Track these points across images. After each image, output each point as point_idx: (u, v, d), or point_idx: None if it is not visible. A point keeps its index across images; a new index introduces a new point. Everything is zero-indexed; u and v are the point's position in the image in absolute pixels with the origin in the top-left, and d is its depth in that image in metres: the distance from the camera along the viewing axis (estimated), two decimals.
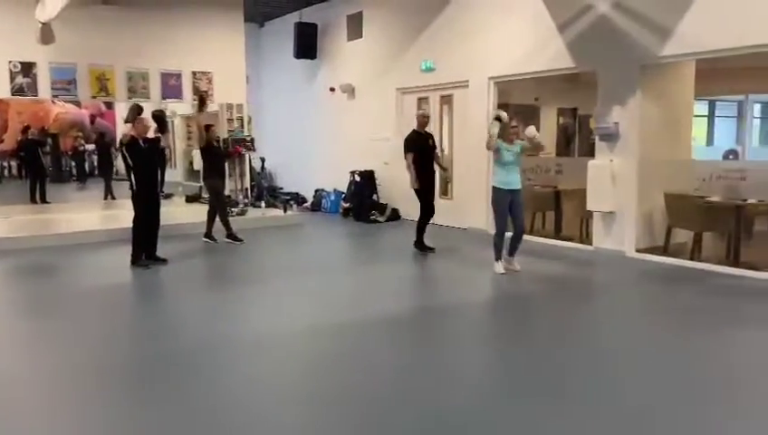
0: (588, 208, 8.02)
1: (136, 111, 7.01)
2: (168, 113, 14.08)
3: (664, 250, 7.56)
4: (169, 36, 10.81)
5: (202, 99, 9.06)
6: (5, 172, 21.31)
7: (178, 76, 11.04)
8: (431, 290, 6.48)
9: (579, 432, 3.20)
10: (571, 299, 5.98)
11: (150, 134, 7.28)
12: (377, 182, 11.41)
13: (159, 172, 14.03)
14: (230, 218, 9.02)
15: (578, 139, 13.04)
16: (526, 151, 6.78)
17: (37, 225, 10.06)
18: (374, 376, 4.00)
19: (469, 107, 9.71)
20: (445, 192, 10.55)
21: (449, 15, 9.86)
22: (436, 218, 10.47)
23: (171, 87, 11.04)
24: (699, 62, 7.78)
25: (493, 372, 4.13)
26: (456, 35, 9.73)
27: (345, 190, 11.82)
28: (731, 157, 11.89)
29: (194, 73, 11.18)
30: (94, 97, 10.72)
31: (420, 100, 10.80)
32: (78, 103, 19.04)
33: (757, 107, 16.15)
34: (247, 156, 11.70)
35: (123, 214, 8.35)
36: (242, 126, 11.64)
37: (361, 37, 11.81)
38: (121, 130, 13.94)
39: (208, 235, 8.77)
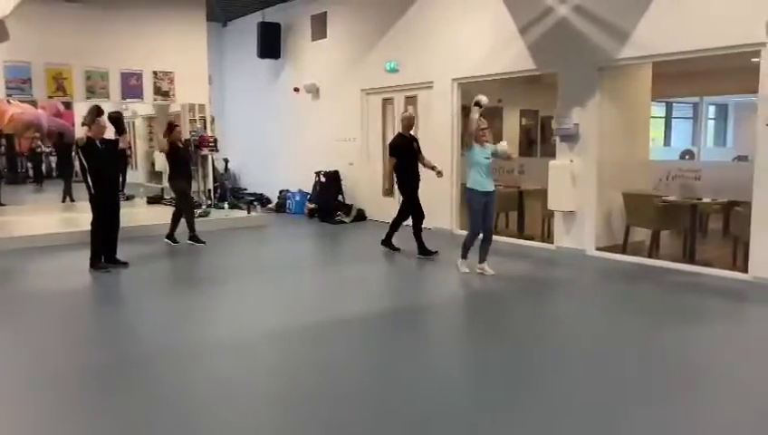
0: (549, 208, 8.16)
1: (95, 113, 6.85)
2: (128, 114, 13.88)
3: (623, 248, 7.74)
4: (130, 35, 10.62)
5: (171, 125, 8.96)
6: None
7: (139, 76, 10.85)
8: (398, 290, 6.50)
9: (543, 429, 3.25)
10: (534, 298, 6.08)
11: (111, 136, 7.15)
12: (342, 183, 11.41)
13: (120, 174, 13.91)
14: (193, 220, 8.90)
15: (540, 140, 13.27)
16: (497, 157, 6.79)
17: None
18: (341, 377, 3.99)
19: (433, 108, 9.78)
20: None
21: (413, 16, 9.91)
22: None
23: (132, 87, 10.84)
24: (656, 64, 7.99)
25: (460, 372, 4.16)
26: (420, 36, 9.79)
27: (310, 191, 11.78)
28: (687, 157, 12.22)
29: (155, 73, 11.00)
30: (51, 97, 10.46)
31: (385, 101, 10.84)
32: (34, 103, 18.53)
33: (712, 109, 16.64)
34: (210, 157, 11.56)
35: (82, 217, 8.16)
36: (204, 126, 11.48)
37: (326, 37, 11.78)
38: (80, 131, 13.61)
39: (170, 236, 8.64)
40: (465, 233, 8.85)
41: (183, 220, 8.69)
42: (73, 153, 13.20)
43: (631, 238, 7.82)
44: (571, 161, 7.85)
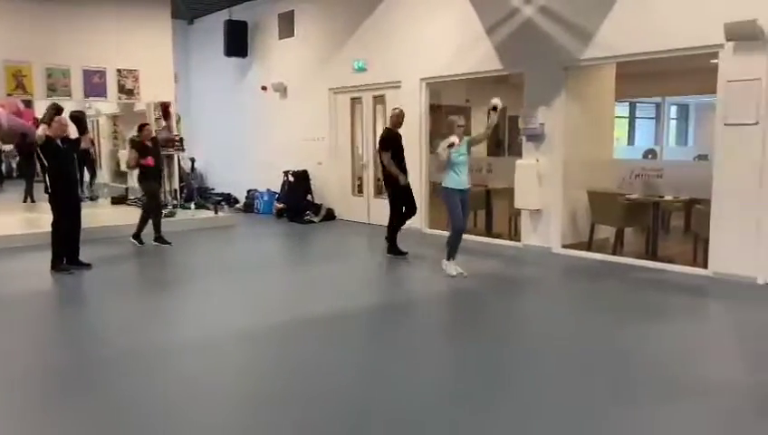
0: (516, 206, 8.25)
1: (53, 111, 6.69)
2: (92, 112, 13.62)
3: (588, 246, 7.86)
4: (93, 32, 10.43)
5: (141, 125, 8.87)
6: None
7: (102, 73, 10.65)
8: (367, 290, 6.49)
9: (515, 426, 3.28)
10: (503, 295, 6.13)
11: (74, 135, 7.00)
12: (311, 182, 11.36)
13: (88, 174, 13.65)
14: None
15: (507, 139, 13.40)
16: (477, 141, 6.84)
17: None
18: (310, 377, 3.97)
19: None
20: (380, 191, 10.60)
21: (380, 15, 9.92)
22: (373, 218, 10.59)
23: (95, 85, 10.64)
24: (619, 65, 8.13)
25: (428, 371, 4.17)
26: (388, 36, 9.80)
27: (279, 191, 11.70)
28: (650, 156, 12.48)
29: (119, 71, 10.81)
30: (10, 95, 10.19)
31: (353, 100, 10.83)
32: None
33: (674, 109, 17.03)
34: (176, 156, 11.39)
35: (44, 217, 7.96)
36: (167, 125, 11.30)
37: (293, 36, 11.72)
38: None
39: (137, 236, 8.50)
40: (435, 232, 8.92)
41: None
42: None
43: (596, 236, 7.95)
44: (537, 160, 7.95)
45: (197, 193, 12.29)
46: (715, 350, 4.53)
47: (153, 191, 8.57)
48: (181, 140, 11.30)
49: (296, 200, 11.16)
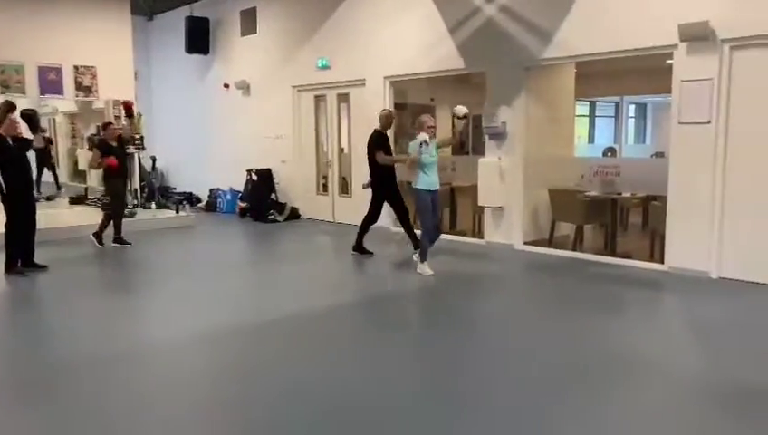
0: (479, 204, 8.33)
1: (6, 109, 6.49)
2: (48, 110, 13.25)
3: (549, 242, 8.00)
4: (48, 27, 10.14)
5: (105, 123, 8.68)
6: None
7: (58, 70, 10.37)
8: (332, 289, 6.47)
9: (465, 422, 3.32)
10: (465, 292, 6.18)
11: (26, 134, 6.81)
12: (275, 181, 11.27)
13: (52, 174, 13.27)
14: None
15: (471, 138, 13.51)
16: (442, 147, 6.86)
17: None
18: (271, 378, 3.95)
19: (366, 106, 9.78)
20: (344, 190, 10.60)
21: (344, 13, 9.89)
22: (338, 216, 10.57)
23: (51, 82, 10.35)
24: (579, 64, 8.28)
25: (390, 368, 4.19)
26: (351, 33, 9.78)
27: (242, 189, 11.58)
28: (609, 154, 12.72)
29: (76, 68, 10.54)
30: None
31: (317, 98, 10.78)
32: None
33: (632, 108, 17.40)
34: (136, 155, 11.18)
35: None
36: (130, 123, 11.07)
37: (256, 33, 11.60)
38: None
39: (98, 235, 8.34)
40: (400, 230, 8.93)
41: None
42: None
43: (557, 233, 8.09)
44: (500, 159, 8.04)
45: (158, 192, 12.08)
46: (666, 341, 4.65)
47: (117, 191, 8.40)
48: (141, 138, 11.08)
49: (260, 199, 11.06)
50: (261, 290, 6.42)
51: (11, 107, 6.55)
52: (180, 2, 12.69)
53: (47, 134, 12.91)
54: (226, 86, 12.16)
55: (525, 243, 7.99)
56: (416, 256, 6.77)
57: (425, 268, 6.55)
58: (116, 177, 8.32)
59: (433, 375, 3.96)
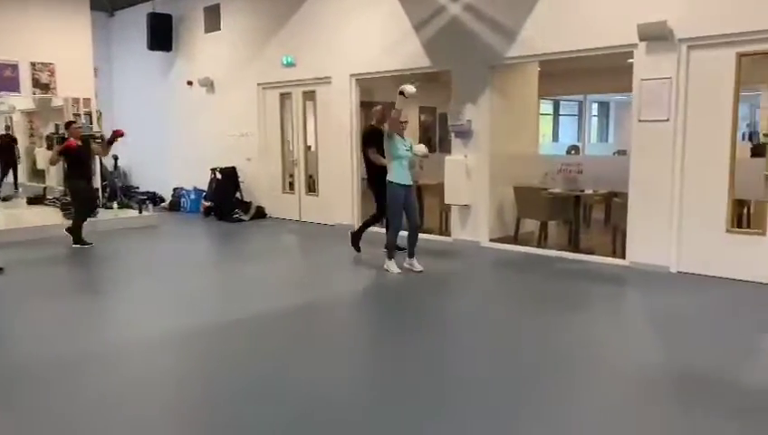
0: (446, 202, 8.38)
1: None
2: (5, 108, 12.86)
3: (514, 239, 8.09)
4: (4, 22, 9.86)
5: (68, 122, 8.48)
6: None
7: (15, 67, 10.08)
8: (297, 288, 6.43)
9: (425, 417, 3.34)
10: (433, 289, 6.20)
11: None
12: (240, 179, 11.15)
13: (12, 173, 12.87)
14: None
15: (438, 136, 13.60)
16: (415, 154, 6.69)
17: None
18: (234, 379, 3.91)
19: (332, 103, 9.76)
20: (311, 189, 10.54)
21: (309, 10, 9.83)
22: (305, 215, 10.51)
23: (7, 79, 10.06)
24: (542, 63, 8.40)
25: (357, 367, 4.18)
26: (317, 31, 9.73)
27: (206, 189, 11.43)
28: (573, 152, 12.94)
29: (33, 64, 10.26)
30: None
31: (283, 95, 10.71)
32: None
33: (595, 106, 17.71)
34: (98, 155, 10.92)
35: None
36: (90, 121, 10.85)
37: (220, 30, 11.45)
38: None
39: (78, 240, 8.17)
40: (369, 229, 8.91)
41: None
42: None
43: (522, 229, 8.19)
44: (466, 157, 8.09)
45: (121, 192, 11.84)
46: (628, 335, 4.74)
47: (77, 191, 8.20)
48: (102, 137, 10.84)
49: (224, 198, 10.93)
50: (226, 290, 6.34)
51: None
52: None
53: (11, 132, 12.59)
54: (190, 84, 11.99)
55: (491, 240, 8.07)
56: (408, 262, 6.66)
57: (392, 266, 6.55)
58: (77, 177, 8.13)
59: (402, 374, 3.96)
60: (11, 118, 14.48)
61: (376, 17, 8.94)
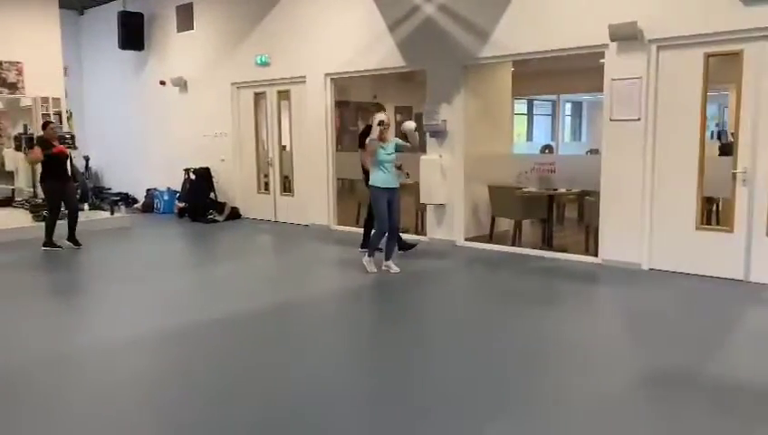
0: (422, 202, 8.39)
1: None
2: None
3: (489, 238, 8.14)
4: None
5: (45, 123, 8.32)
6: None
7: None
8: (273, 288, 6.39)
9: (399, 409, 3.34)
10: (407, 288, 6.21)
11: None
12: (214, 180, 11.04)
13: None
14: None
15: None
16: (404, 148, 6.64)
17: None
18: (209, 380, 3.87)
19: (307, 103, 9.72)
20: (286, 189, 10.48)
21: (283, 9, 9.77)
22: (280, 215, 10.45)
23: None
24: (516, 63, 8.46)
25: (331, 369, 4.17)
26: (291, 29, 9.67)
27: (180, 189, 11.29)
28: (547, 151, 13.07)
29: (0, 63, 10.05)
30: None
31: (257, 95, 10.63)
32: None
33: (568, 106, 17.92)
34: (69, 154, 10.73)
35: None
36: (60, 122, 10.66)
37: (192, 29, 11.32)
38: None
39: (49, 243, 8.02)
40: (342, 229, 8.93)
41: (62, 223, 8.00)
42: None
43: (497, 228, 8.25)
44: (441, 156, 8.12)
45: (92, 193, 11.65)
46: (600, 331, 4.80)
47: (52, 192, 8.03)
48: (72, 137, 10.66)
49: (198, 199, 10.81)
50: (200, 291, 6.27)
51: None
52: None
53: None
54: (162, 83, 11.84)
55: (467, 239, 8.10)
56: (384, 264, 6.62)
57: (370, 264, 6.55)
58: (53, 178, 7.97)
59: (378, 374, 3.96)
60: None
61: (351, 17, 8.92)
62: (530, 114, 17.26)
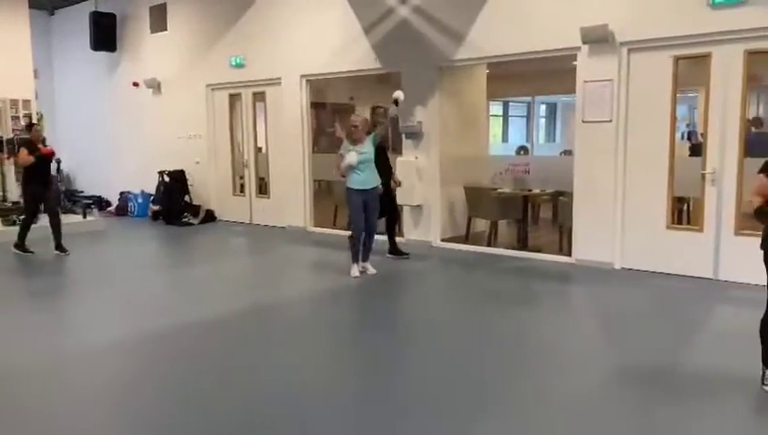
0: (398, 203, 8.39)
1: None
2: None
3: (466, 238, 8.19)
4: None
5: (29, 124, 8.15)
6: None
7: None
8: (249, 291, 6.35)
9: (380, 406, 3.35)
10: (386, 290, 6.23)
11: None
12: (188, 183, 10.94)
13: None
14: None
15: (391, 136, 13.61)
16: (380, 136, 6.59)
17: None
18: (183, 383, 3.84)
19: (283, 105, 9.68)
20: (262, 191, 10.43)
21: (258, 10, 9.72)
22: (255, 218, 10.39)
23: None
24: (491, 65, 8.53)
25: (309, 372, 4.16)
26: (266, 31, 9.63)
27: (154, 192, 11.17)
28: (522, 152, 13.19)
29: None
30: None
31: (232, 96, 10.56)
32: None
33: (543, 108, 18.08)
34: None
35: None
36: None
37: (166, 30, 11.21)
38: None
39: (20, 246, 7.90)
40: (319, 230, 8.90)
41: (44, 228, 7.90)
42: None
43: (473, 229, 8.30)
44: (417, 158, 8.15)
45: (65, 196, 11.47)
46: (574, 330, 4.86)
47: (33, 196, 7.88)
48: (43, 140, 10.45)
49: (173, 202, 10.70)
50: (176, 294, 6.21)
51: None
52: None
53: None
54: (136, 85, 11.70)
55: (443, 240, 8.15)
56: (361, 265, 6.58)
57: (353, 269, 6.48)
58: (36, 181, 7.81)
59: (357, 375, 3.96)
60: None
61: (327, 18, 8.91)
62: (505, 116, 17.39)
